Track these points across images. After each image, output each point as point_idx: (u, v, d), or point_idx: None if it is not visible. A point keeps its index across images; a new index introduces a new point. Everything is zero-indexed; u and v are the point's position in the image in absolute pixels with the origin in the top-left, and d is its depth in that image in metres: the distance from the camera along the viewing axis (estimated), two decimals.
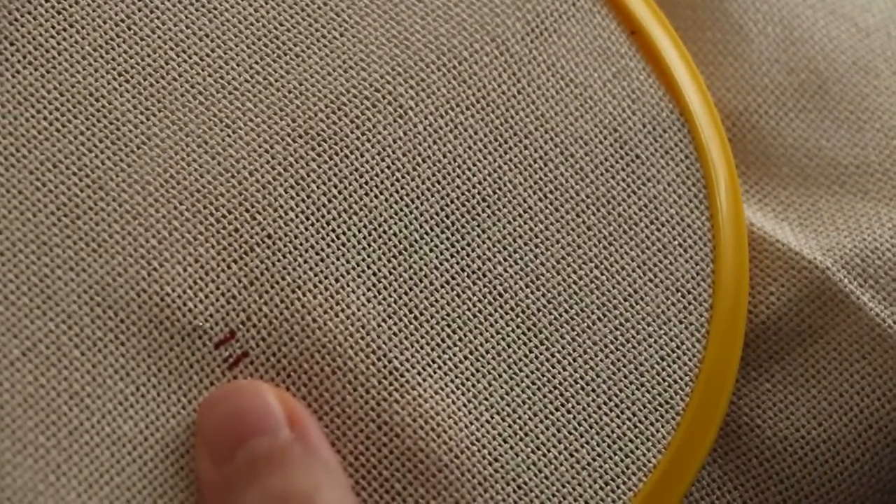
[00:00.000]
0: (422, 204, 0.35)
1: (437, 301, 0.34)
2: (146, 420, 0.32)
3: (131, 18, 0.35)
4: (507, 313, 0.35)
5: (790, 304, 0.37)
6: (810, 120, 0.38)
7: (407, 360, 0.34)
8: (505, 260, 0.35)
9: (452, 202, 0.35)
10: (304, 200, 0.34)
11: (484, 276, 0.35)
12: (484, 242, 0.35)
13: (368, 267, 0.34)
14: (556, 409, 0.34)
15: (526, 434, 0.34)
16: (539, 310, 0.35)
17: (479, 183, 0.36)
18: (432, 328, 0.34)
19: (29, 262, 0.33)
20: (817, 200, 0.38)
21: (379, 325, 0.34)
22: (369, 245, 0.34)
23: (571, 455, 0.34)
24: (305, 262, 0.34)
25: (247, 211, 0.34)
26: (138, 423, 0.32)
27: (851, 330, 0.37)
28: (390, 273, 0.34)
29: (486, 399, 0.34)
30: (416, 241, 0.35)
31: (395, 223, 0.35)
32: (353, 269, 0.34)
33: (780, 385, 0.37)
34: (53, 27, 0.34)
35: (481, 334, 0.34)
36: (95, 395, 0.32)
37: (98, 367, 0.33)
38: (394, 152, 0.35)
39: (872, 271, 0.37)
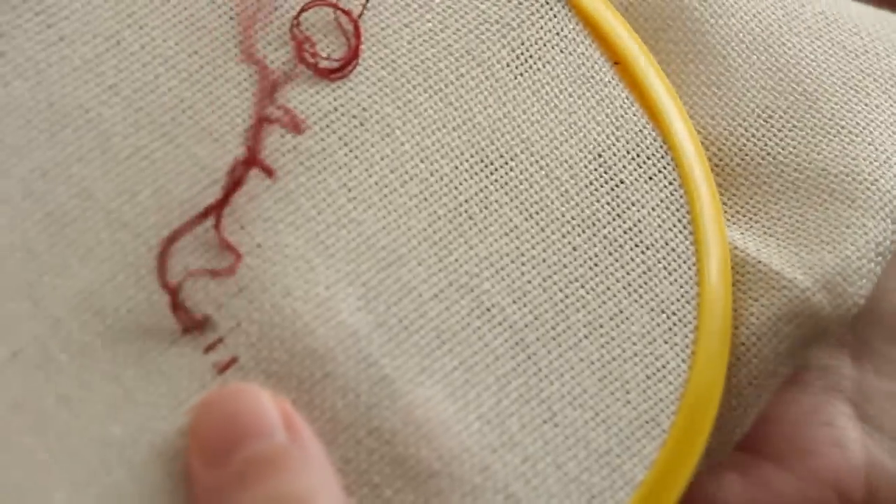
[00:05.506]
0: (409, 220, 0.35)
1: (426, 313, 0.34)
2: (136, 423, 0.32)
3: (121, 34, 0.35)
4: (494, 328, 0.35)
5: (769, 322, 0.37)
6: (801, 136, 0.39)
7: (397, 367, 0.33)
8: (492, 276, 0.35)
9: (440, 219, 0.35)
10: (292, 213, 0.34)
11: (471, 291, 0.35)
12: (471, 259, 0.35)
13: (357, 277, 0.34)
14: (545, 422, 0.34)
15: (515, 445, 0.34)
16: (526, 325, 0.35)
17: (466, 201, 0.36)
18: (422, 338, 0.34)
19: (15, 267, 0.33)
20: (805, 212, 0.38)
21: (369, 334, 0.34)
22: (358, 256, 0.34)
23: (559, 468, 0.34)
24: (295, 269, 0.34)
25: (236, 221, 0.34)
26: (128, 425, 0.32)
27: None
28: (380, 284, 0.34)
29: (475, 409, 0.34)
30: (403, 254, 0.35)
31: (384, 237, 0.35)
32: (343, 278, 0.34)
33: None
34: (43, 41, 0.35)
35: (470, 347, 0.34)
36: (83, 398, 0.32)
37: (86, 372, 0.32)
38: (381, 169, 0.35)
39: (846, 287, 0.37)
